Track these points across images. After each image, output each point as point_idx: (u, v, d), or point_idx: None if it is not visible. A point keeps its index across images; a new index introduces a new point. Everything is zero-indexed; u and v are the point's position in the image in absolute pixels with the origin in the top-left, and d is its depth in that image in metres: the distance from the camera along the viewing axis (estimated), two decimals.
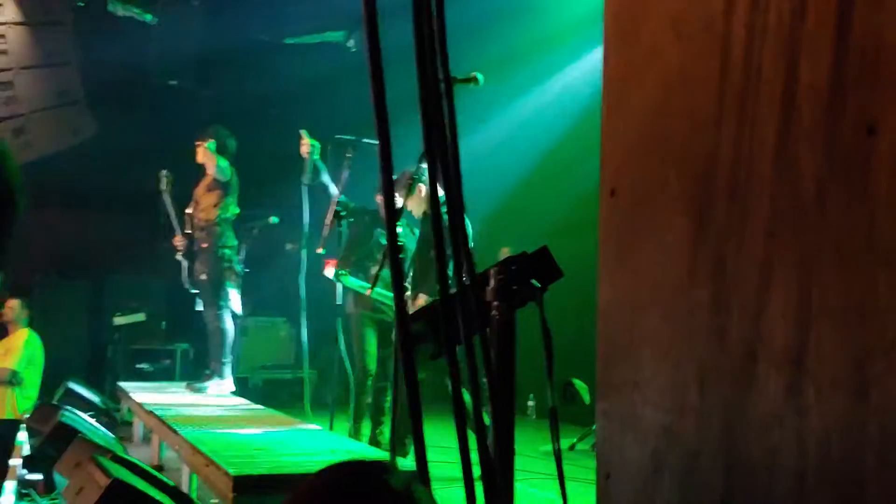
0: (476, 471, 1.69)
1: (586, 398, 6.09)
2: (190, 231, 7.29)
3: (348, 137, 6.51)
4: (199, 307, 7.37)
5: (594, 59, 7.99)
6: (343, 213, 6.54)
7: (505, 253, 9.38)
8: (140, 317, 9.60)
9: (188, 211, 7.33)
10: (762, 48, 1.61)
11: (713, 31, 1.74)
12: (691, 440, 1.77)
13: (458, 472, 1.68)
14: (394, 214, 1.97)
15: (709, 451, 1.74)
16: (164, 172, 7.36)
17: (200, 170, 7.30)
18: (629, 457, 1.92)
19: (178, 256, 7.29)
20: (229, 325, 7.25)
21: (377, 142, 5.88)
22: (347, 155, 6.44)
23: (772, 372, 1.58)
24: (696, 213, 1.78)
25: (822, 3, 1.50)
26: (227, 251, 7.18)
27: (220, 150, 7.13)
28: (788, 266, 1.56)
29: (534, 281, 2.68)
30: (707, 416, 1.73)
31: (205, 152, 7.11)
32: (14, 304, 7.74)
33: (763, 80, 1.60)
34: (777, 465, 1.54)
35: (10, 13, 8.39)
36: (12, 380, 7.61)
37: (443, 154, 1.85)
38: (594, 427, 6.85)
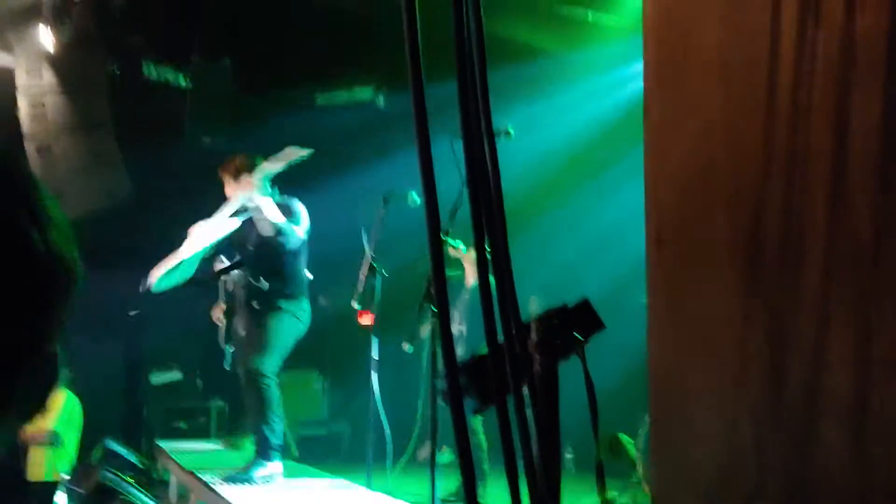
0: None
1: (632, 452, 6.01)
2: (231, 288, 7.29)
3: (380, 192, 6.58)
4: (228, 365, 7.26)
5: (628, 101, 8.02)
6: (378, 267, 6.57)
7: (533, 303, 9.32)
8: (176, 375, 9.63)
9: None
10: (810, 93, 1.60)
11: (758, 76, 1.73)
12: (750, 492, 1.73)
13: None
14: (441, 259, 1.95)
15: (768, 503, 1.70)
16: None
17: None
18: None
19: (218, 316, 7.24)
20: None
21: (409, 194, 5.88)
22: (381, 209, 6.48)
23: (833, 422, 1.54)
24: (747, 260, 1.76)
25: (871, 45, 1.49)
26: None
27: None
28: (846, 313, 1.54)
29: (576, 333, 2.66)
30: (765, 467, 1.69)
31: None
32: None
33: (812, 127, 1.59)
34: None
35: (49, 80, 8.59)
36: (52, 441, 7.64)
37: (487, 202, 1.85)
38: (634, 478, 6.75)
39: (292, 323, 6.15)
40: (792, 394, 1.68)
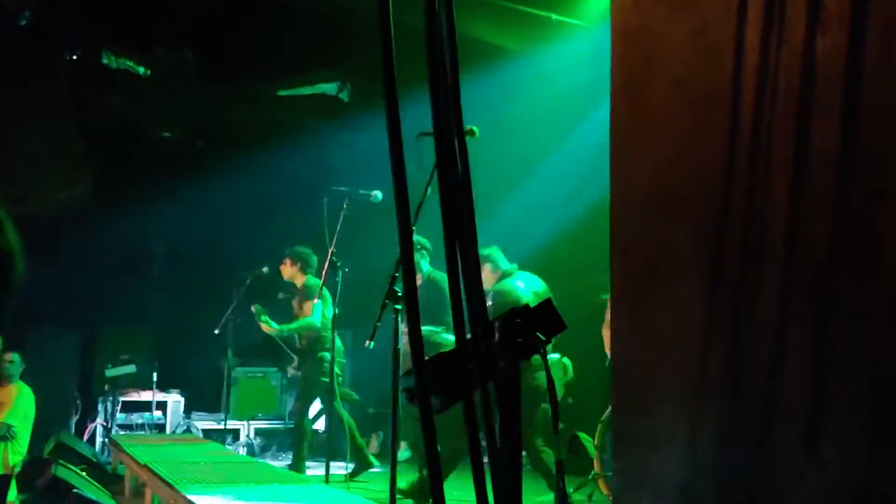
0: None
1: (591, 451, 6.10)
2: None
3: (343, 189, 6.58)
4: None
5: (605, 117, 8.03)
6: (339, 264, 6.58)
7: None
8: (131, 368, 9.53)
9: None
10: (772, 112, 1.65)
11: (721, 95, 1.79)
12: (709, 498, 1.79)
13: None
14: (411, 259, 1.97)
15: None
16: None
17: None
18: None
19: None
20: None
21: (371, 192, 5.88)
22: (344, 206, 6.50)
23: (790, 429, 1.60)
24: (707, 272, 1.81)
25: (831, 66, 1.55)
26: (327, 354, 7.16)
27: (305, 270, 7.59)
28: (803, 324, 1.60)
29: (538, 334, 2.71)
30: (725, 473, 1.74)
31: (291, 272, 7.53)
32: (13, 358, 7.69)
33: (773, 144, 1.65)
34: None
35: (9, 69, 8.45)
36: (7, 434, 7.52)
37: (457, 205, 1.87)
38: (591, 475, 6.86)
39: None
40: (750, 400, 1.73)
